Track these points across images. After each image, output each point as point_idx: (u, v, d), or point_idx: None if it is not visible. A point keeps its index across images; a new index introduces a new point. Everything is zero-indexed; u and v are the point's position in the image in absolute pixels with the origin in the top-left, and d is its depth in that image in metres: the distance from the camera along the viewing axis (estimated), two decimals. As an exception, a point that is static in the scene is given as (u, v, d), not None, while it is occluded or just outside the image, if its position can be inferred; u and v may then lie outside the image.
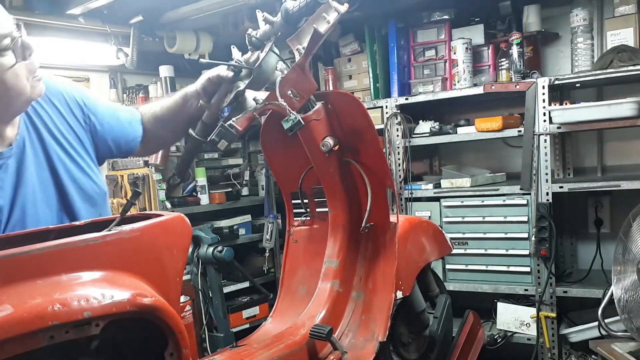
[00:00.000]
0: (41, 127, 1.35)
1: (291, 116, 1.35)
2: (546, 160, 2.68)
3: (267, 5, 3.08)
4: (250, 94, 1.41)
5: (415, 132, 3.10)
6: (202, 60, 1.46)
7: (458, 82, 2.97)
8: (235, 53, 1.44)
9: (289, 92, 1.40)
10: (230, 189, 3.63)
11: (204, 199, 3.44)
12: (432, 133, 3.04)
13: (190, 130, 1.45)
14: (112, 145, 1.48)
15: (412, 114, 3.09)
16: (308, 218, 1.73)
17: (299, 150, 1.54)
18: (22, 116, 1.33)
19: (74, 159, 1.38)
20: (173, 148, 3.19)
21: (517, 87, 2.72)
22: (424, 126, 3.08)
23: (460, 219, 2.95)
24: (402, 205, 3.06)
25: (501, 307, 2.88)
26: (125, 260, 1.01)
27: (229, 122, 1.34)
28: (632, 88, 2.77)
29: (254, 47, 1.39)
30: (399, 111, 3.05)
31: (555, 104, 2.70)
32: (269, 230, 3.60)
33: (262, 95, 1.44)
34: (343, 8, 1.33)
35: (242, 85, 1.39)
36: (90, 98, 1.47)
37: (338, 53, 3.43)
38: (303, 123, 1.35)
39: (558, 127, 2.63)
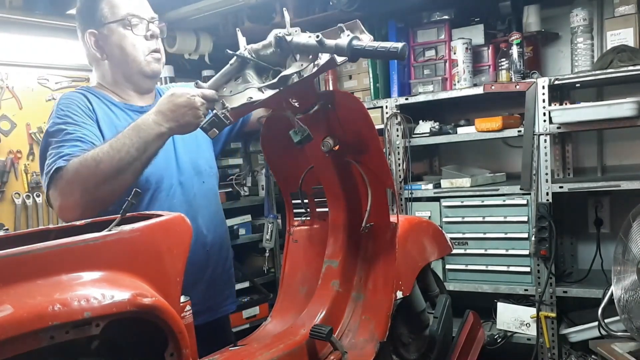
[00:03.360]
0: None
1: (300, 129, 1.33)
2: (546, 160, 2.68)
3: (267, 5, 3.09)
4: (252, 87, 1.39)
5: (415, 132, 3.09)
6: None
7: (458, 82, 2.96)
8: (242, 39, 1.41)
9: (291, 100, 1.39)
10: (230, 189, 3.63)
11: (204, 199, 3.44)
12: (432, 133, 3.03)
13: None
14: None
15: (412, 114, 3.09)
16: (308, 218, 1.73)
17: (299, 150, 1.54)
18: (156, 96, 1.73)
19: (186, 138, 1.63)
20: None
21: (517, 87, 2.71)
22: (424, 126, 3.08)
23: (460, 219, 2.95)
24: (402, 205, 3.06)
25: (501, 307, 2.88)
26: (125, 260, 1.01)
27: (222, 112, 1.33)
28: (632, 88, 2.77)
29: (280, 49, 1.35)
30: (399, 111, 3.05)
31: (555, 104, 2.70)
32: (269, 230, 3.59)
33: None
34: (366, 40, 1.31)
35: (249, 77, 1.37)
36: None
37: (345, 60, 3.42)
38: (312, 137, 1.34)
39: (558, 127, 2.63)
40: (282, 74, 1.33)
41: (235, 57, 1.39)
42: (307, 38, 1.31)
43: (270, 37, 1.37)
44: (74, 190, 1.40)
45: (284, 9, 1.40)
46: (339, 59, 1.32)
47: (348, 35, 1.29)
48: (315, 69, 1.32)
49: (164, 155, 1.58)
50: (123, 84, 1.69)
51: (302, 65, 1.32)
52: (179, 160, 1.68)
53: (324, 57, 1.33)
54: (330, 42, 1.28)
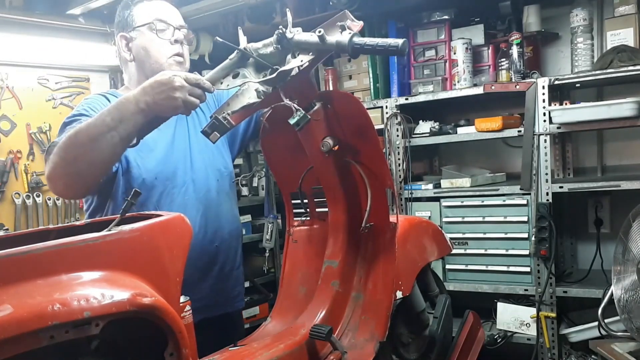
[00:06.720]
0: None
1: (297, 112, 1.33)
2: (546, 160, 2.68)
3: (267, 5, 3.10)
4: (252, 86, 1.38)
5: (415, 132, 3.10)
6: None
7: (458, 82, 2.97)
8: (242, 37, 1.40)
9: (291, 97, 1.39)
10: (230, 189, 3.62)
11: (204, 199, 3.43)
12: (432, 133, 3.04)
13: None
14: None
15: (412, 114, 3.09)
16: (308, 218, 1.73)
17: (298, 150, 1.54)
18: None
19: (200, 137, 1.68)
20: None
21: (517, 87, 2.72)
22: (424, 126, 3.08)
23: (460, 219, 2.95)
24: (402, 205, 3.06)
25: (501, 307, 2.88)
26: (125, 260, 1.01)
27: (222, 115, 1.33)
28: (632, 88, 2.77)
29: (282, 47, 1.34)
30: (399, 111, 3.05)
31: (555, 104, 2.70)
32: (269, 230, 3.59)
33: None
34: (357, 27, 1.32)
35: (247, 74, 1.37)
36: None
37: (338, 53, 3.43)
38: (309, 117, 1.34)
39: (558, 127, 2.63)
40: (281, 69, 1.33)
41: (235, 52, 1.39)
42: (309, 35, 1.31)
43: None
44: (56, 162, 1.44)
45: (287, 9, 1.40)
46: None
47: (349, 32, 1.29)
48: (312, 56, 1.33)
49: (179, 153, 1.70)
50: None
51: (301, 61, 1.33)
52: (193, 159, 1.74)
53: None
54: (331, 39, 1.29)
